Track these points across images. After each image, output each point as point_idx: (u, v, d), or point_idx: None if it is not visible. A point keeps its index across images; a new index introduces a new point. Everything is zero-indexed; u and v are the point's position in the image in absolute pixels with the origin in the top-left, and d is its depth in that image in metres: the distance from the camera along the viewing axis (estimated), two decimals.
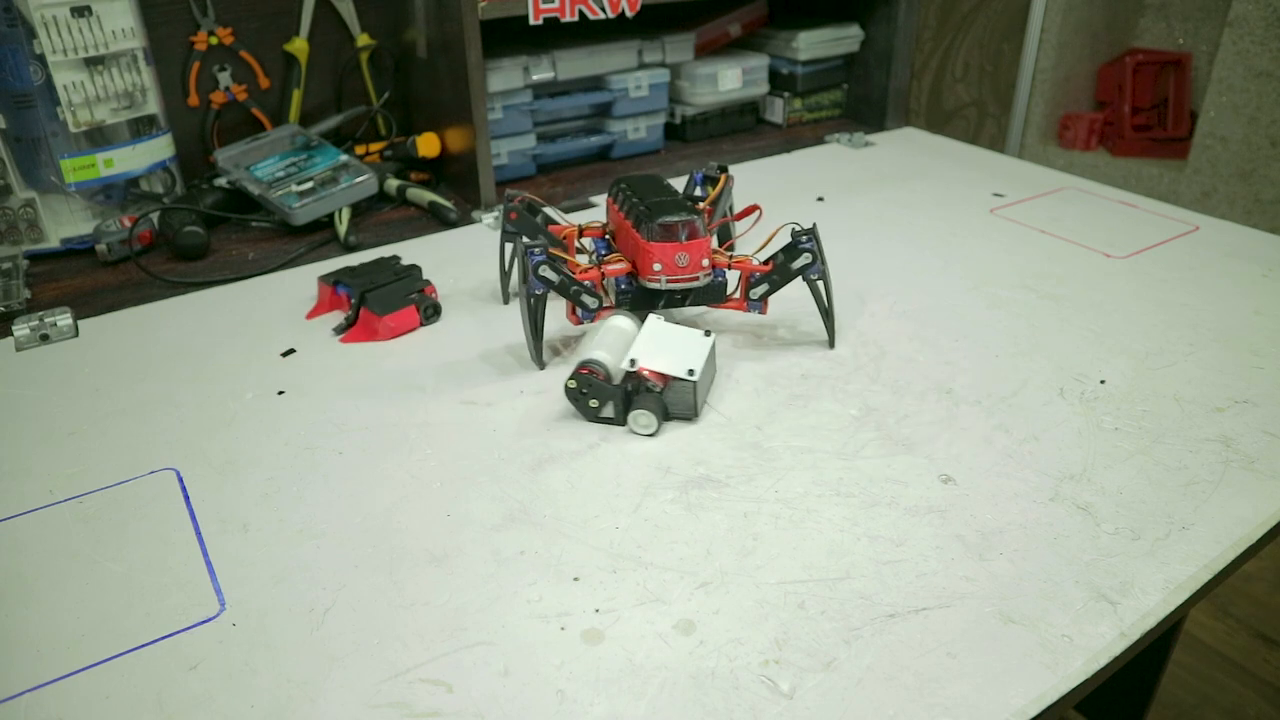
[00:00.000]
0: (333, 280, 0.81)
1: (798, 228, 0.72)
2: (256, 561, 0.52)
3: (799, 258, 0.71)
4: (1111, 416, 0.64)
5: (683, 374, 0.63)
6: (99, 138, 0.94)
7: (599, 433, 0.64)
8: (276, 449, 0.63)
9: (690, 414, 0.65)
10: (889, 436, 0.63)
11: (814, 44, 1.33)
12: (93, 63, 0.92)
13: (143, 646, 0.47)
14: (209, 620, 0.48)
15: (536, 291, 0.69)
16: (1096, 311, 0.79)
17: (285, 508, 0.57)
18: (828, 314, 0.73)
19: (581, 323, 0.72)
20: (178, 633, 0.48)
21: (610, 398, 0.64)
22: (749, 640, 0.46)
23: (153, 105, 0.98)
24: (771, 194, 1.09)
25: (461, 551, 0.53)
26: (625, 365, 0.64)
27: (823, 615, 0.48)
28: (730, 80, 1.31)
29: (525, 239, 0.68)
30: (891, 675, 0.44)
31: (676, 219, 0.70)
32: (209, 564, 0.52)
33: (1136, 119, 2.28)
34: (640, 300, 0.74)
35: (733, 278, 0.78)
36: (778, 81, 1.38)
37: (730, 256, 0.74)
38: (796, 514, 0.55)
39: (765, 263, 0.73)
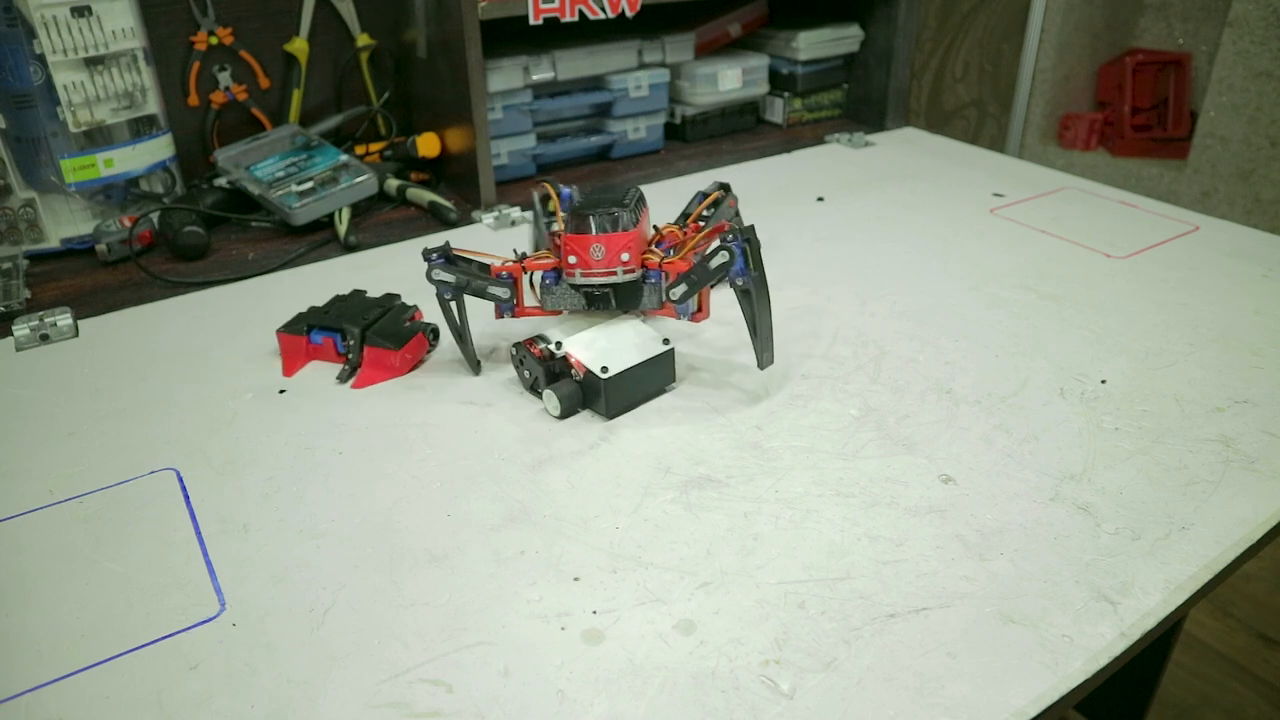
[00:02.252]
0: (302, 329, 0.73)
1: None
2: (256, 561, 0.52)
3: (715, 256, 0.63)
4: (1111, 416, 0.64)
5: (596, 369, 0.63)
6: (99, 138, 0.94)
7: (599, 432, 0.64)
8: (276, 449, 0.63)
9: (601, 411, 0.65)
10: (889, 436, 0.63)
11: (814, 44, 1.33)
12: (93, 63, 0.91)
13: (143, 646, 0.47)
14: (209, 620, 0.48)
15: (445, 296, 0.67)
16: (1096, 311, 0.79)
17: (285, 508, 0.57)
18: (754, 331, 0.65)
19: (502, 316, 0.69)
20: (178, 633, 0.48)
21: (535, 372, 0.66)
22: (749, 640, 0.46)
23: (153, 105, 0.98)
24: (771, 194, 1.09)
25: (461, 551, 0.53)
26: (552, 346, 0.65)
27: (823, 615, 0.48)
28: (730, 80, 1.31)
29: (426, 247, 0.66)
30: (892, 675, 0.44)
31: (594, 211, 0.65)
32: (209, 564, 0.52)
33: (1136, 119, 2.28)
34: (558, 301, 0.69)
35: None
36: (778, 81, 1.38)
37: (661, 258, 0.68)
38: (797, 514, 0.55)
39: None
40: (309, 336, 0.73)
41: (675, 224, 0.78)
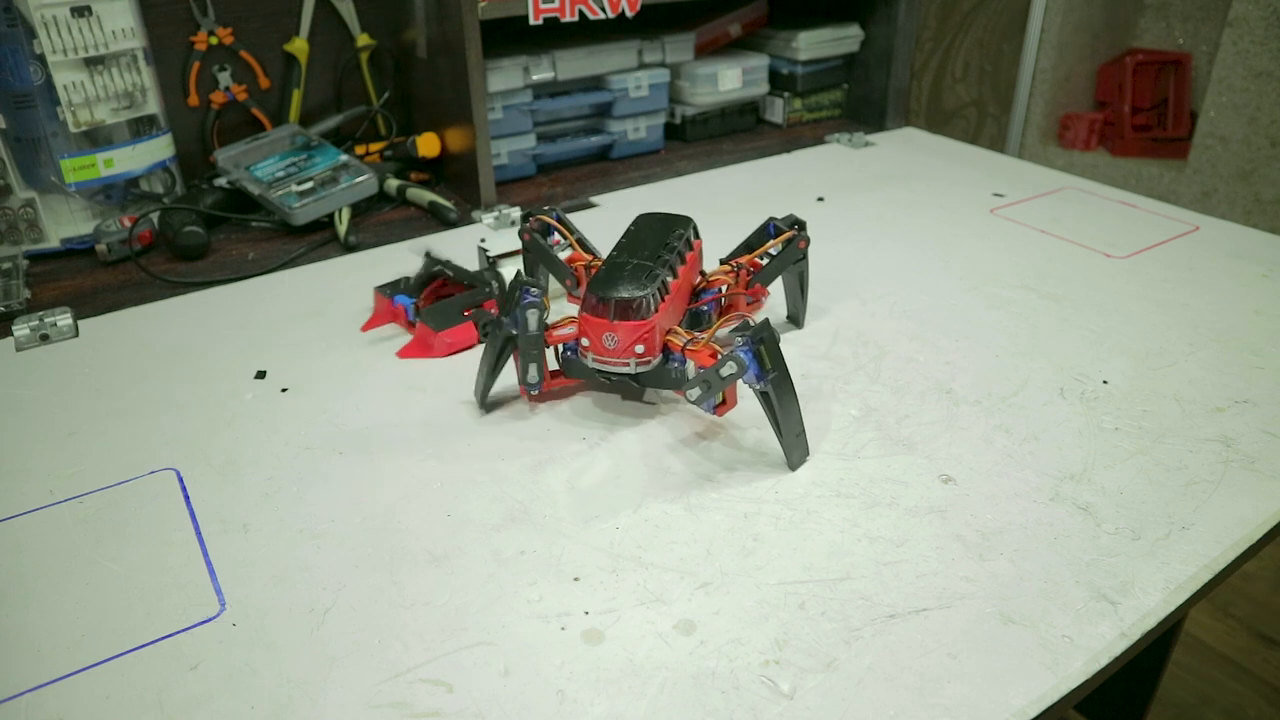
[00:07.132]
0: (389, 292, 0.79)
1: (750, 322, 0.58)
2: (256, 561, 0.52)
3: (724, 365, 0.57)
4: (1111, 416, 0.64)
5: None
6: (99, 138, 0.94)
7: (599, 432, 0.64)
8: (276, 449, 0.63)
9: None
10: (889, 436, 0.63)
11: (814, 44, 1.33)
12: (93, 63, 0.91)
13: (143, 646, 0.47)
14: (209, 620, 0.48)
15: (512, 330, 0.61)
16: (1096, 311, 0.79)
17: (285, 508, 0.57)
18: (779, 432, 0.59)
19: (528, 394, 0.63)
20: (178, 633, 0.48)
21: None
22: (749, 640, 0.46)
23: (153, 105, 0.98)
24: (771, 194, 1.09)
25: (461, 551, 0.53)
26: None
27: (823, 616, 0.48)
28: (730, 80, 1.31)
29: (523, 275, 0.58)
30: (892, 675, 0.44)
31: (612, 294, 0.60)
32: (209, 564, 0.52)
33: (1136, 119, 2.28)
34: (580, 372, 0.65)
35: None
36: (778, 81, 1.38)
37: (685, 342, 0.62)
38: (797, 514, 0.55)
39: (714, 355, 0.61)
40: (391, 300, 0.78)
41: (729, 263, 0.73)
